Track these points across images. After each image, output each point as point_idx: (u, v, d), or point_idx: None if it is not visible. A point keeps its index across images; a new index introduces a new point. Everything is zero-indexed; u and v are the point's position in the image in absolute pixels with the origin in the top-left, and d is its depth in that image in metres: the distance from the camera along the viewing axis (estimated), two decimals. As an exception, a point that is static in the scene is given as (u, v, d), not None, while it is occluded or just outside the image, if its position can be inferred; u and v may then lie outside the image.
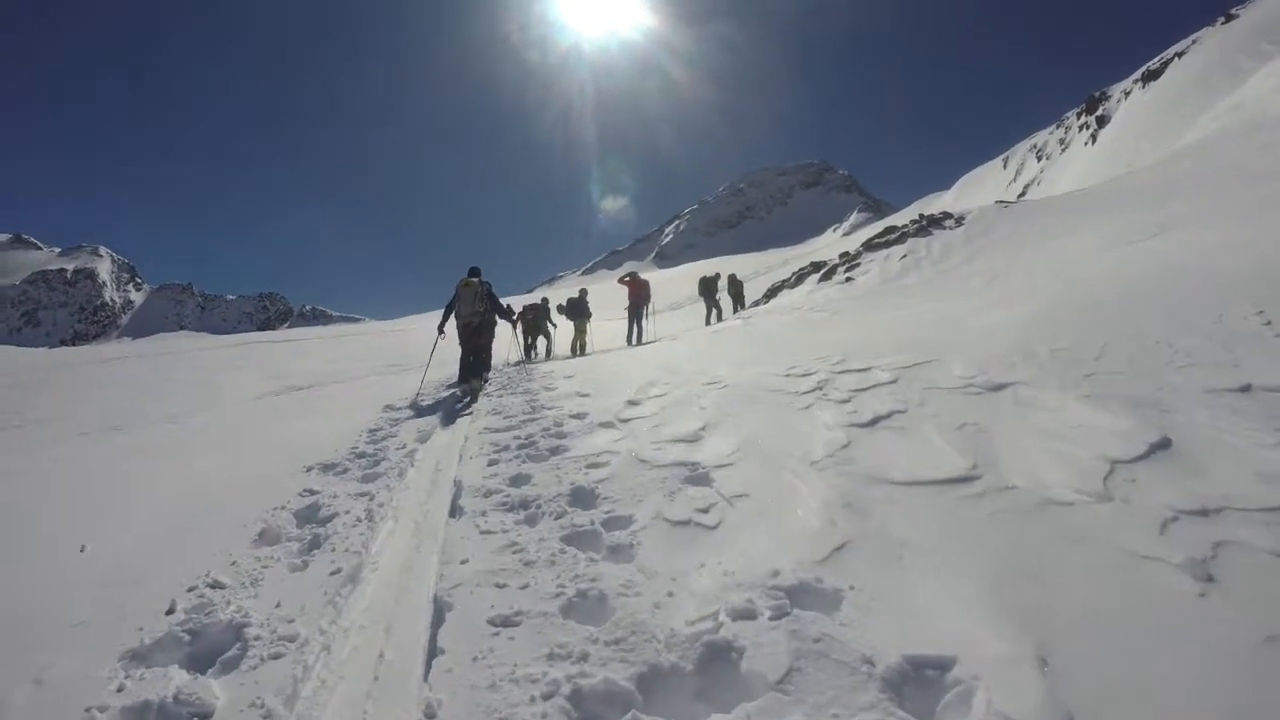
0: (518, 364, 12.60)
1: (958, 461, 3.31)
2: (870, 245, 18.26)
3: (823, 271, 18.23)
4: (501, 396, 7.79)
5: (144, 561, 3.55)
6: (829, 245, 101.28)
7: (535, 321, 16.60)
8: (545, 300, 17.56)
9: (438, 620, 2.60)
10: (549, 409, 6.31)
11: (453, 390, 8.84)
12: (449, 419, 7.01)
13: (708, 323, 19.23)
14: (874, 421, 4.13)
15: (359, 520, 3.85)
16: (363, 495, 4.36)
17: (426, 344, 14.92)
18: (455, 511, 3.86)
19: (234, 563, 3.42)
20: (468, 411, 7.45)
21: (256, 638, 2.62)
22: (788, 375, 5.80)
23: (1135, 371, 4.13)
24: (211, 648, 2.64)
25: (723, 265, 42.57)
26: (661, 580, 2.63)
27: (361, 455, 5.52)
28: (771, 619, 2.25)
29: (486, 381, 9.47)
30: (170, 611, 2.91)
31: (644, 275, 18.15)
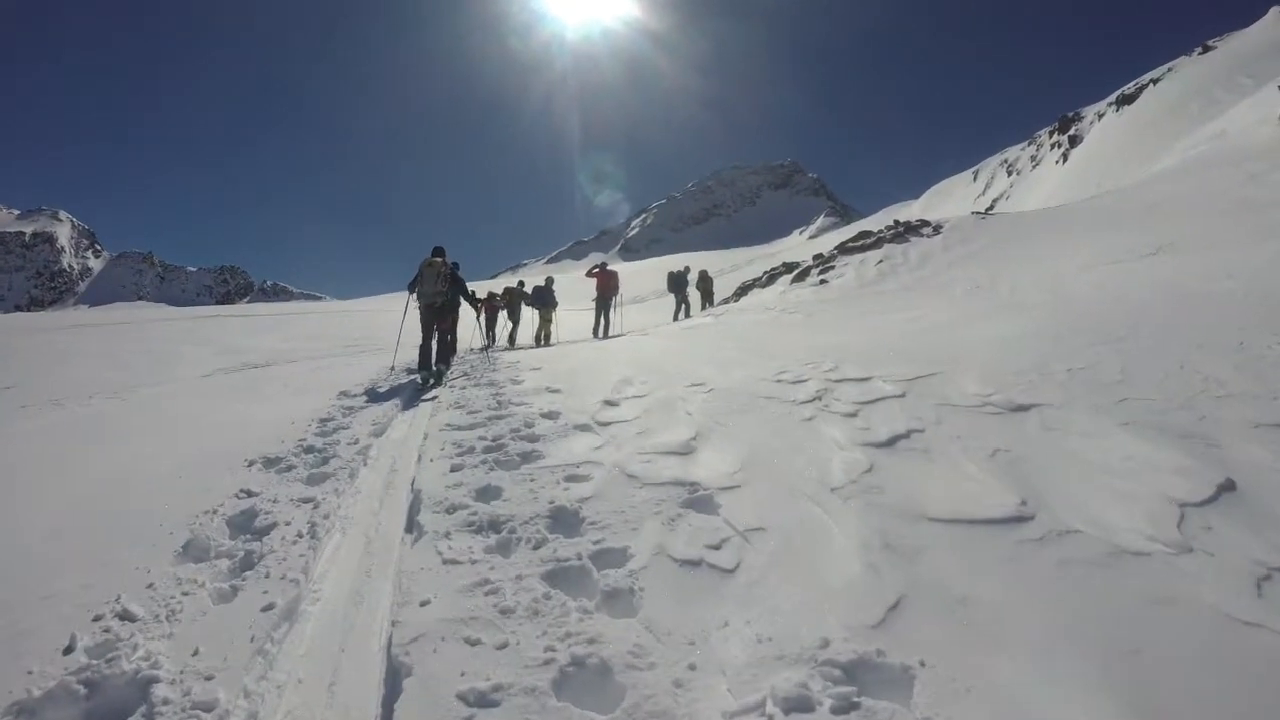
0: (481, 350, 12.05)
1: (1004, 497, 2.88)
2: (845, 249, 17.99)
3: (795, 273, 17.91)
4: (465, 388, 7.20)
5: (52, 573, 3.00)
6: (795, 247, 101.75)
7: (511, 305, 15.93)
8: (522, 283, 16.90)
9: (393, 687, 2.06)
10: (517, 405, 5.76)
11: (413, 376, 8.25)
12: (407, 410, 6.45)
13: (675, 318, 18.80)
14: (892, 441, 3.70)
15: (300, 535, 3.28)
16: (307, 501, 3.77)
17: (386, 324, 14.35)
18: (413, 528, 3.31)
19: (151, 585, 2.85)
20: (428, 398, 6.92)
21: (165, 701, 2.06)
22: (778, 381, 5.38)
23: (1169, 399, 3.79)
24: (111, 709, 2.09)
25: (690, 261, 42.20)
26: (678, 645, 2.11)
27: (310, 450, 4.92)
28: (836, 712, 1.76)
29: (450, 367, 8.99)
30: (69, 650, 2.36)
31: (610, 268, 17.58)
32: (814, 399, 4.70)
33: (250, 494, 3.96)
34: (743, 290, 19.82)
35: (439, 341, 8.69)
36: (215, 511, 3.68)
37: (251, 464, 4.61)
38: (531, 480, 3.70)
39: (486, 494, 3.60)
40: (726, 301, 19.37)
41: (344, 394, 7.36)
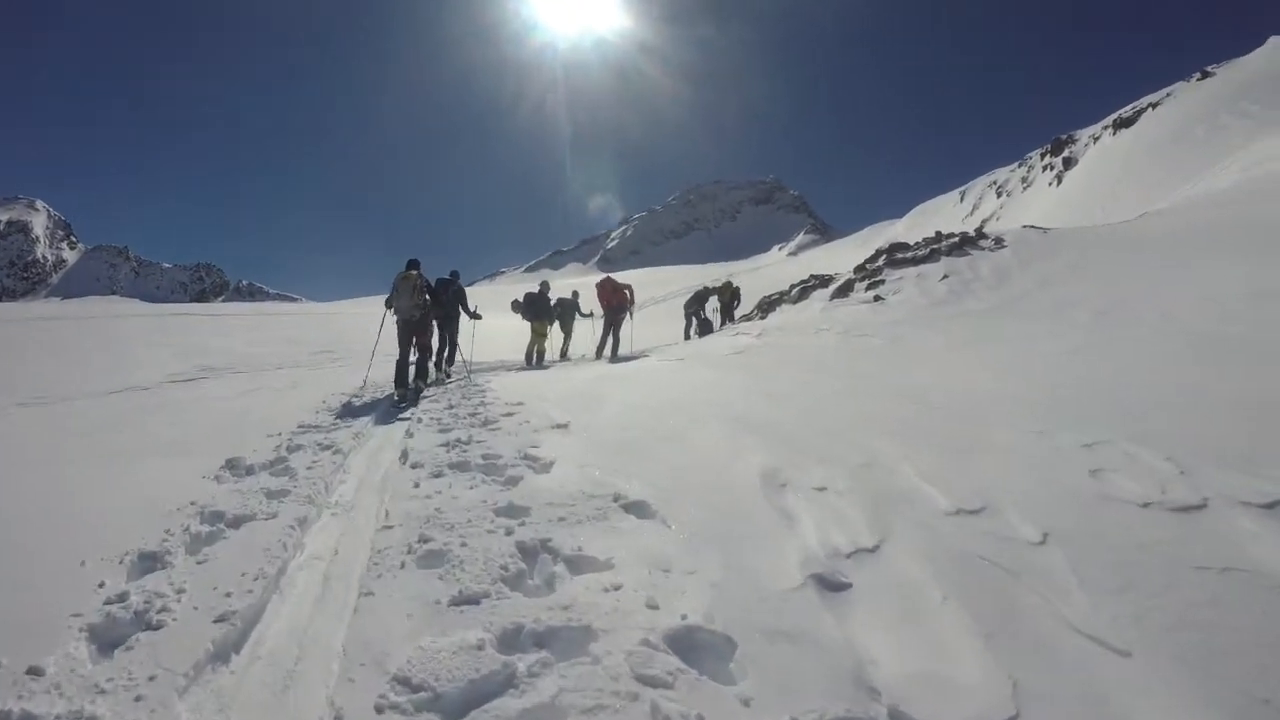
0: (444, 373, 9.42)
1: None
2: (893, 262, 15.30)
3: (834, 288, 15.15)
4: (441, 475, 3.77)
5: None
6: (776, 263, 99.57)
7: (563, 315, 13.37)
8: (576, 293, 13.76)
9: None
10: (571, 571, 2.49)
11: (375, 411, 6.53)
12: (328, 522, 3.22)
13: (687, 336, 15.90)
14: None
15: None
16: None
17: (359, 330, 14.70)
18: None
19: None
20: (379, 485, 3.68)
21: None
22: (1144, 506, 2.40)
23: None
24: None
25: (671, 274, 39.23)
26: None
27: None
28: None
29: (438, 379, 8.51)
30: None
31: (599, 277, 14.38)
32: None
33: None
34: (768, 305, 16.88)
35: (420, 355, 8.24)
36: None
37: None
38: None
39: None
40: (749, 318, 16.43)
41: (231, 464, 4.17)
